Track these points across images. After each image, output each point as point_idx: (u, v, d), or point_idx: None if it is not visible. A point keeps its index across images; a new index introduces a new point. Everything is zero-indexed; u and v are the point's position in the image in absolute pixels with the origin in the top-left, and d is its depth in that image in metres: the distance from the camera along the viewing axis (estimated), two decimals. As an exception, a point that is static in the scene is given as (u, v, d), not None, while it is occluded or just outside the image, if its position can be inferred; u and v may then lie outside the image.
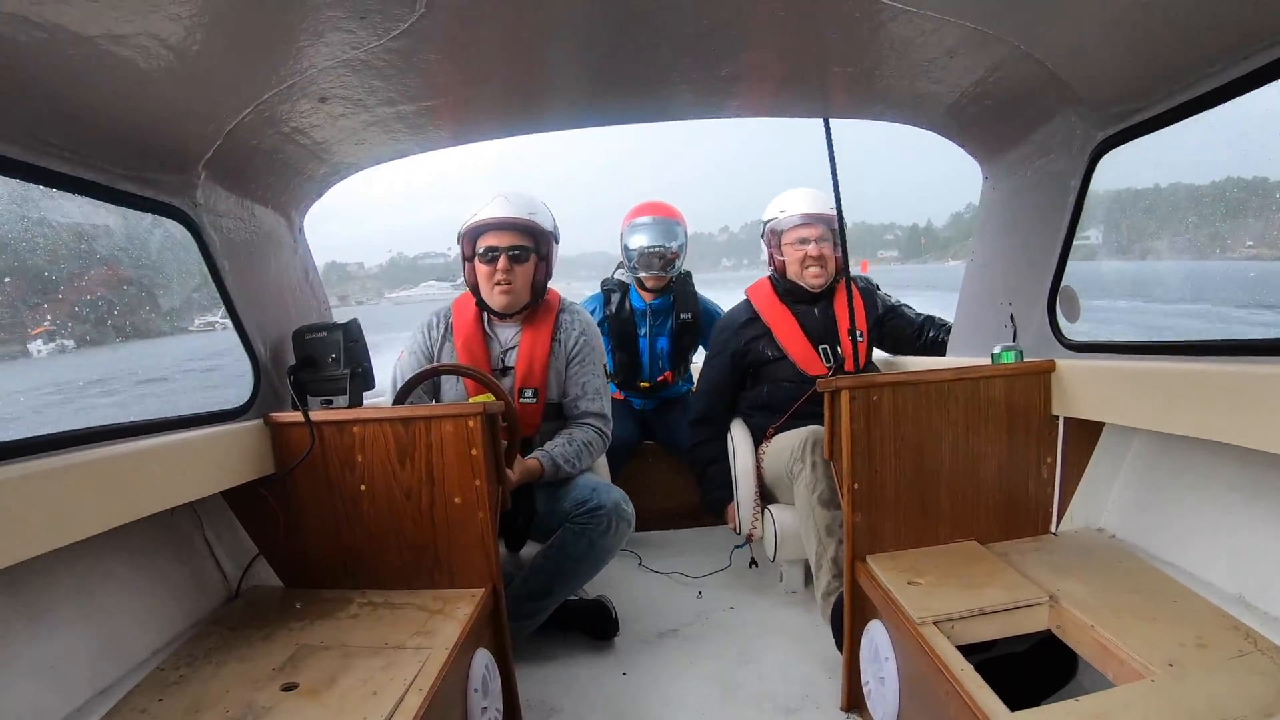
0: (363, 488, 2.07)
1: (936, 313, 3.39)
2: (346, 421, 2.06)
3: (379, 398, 2.75)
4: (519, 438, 2.41)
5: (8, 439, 1.42)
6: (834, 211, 3.04)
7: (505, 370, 2.68)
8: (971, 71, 2.01)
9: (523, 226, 2.62)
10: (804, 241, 3.11)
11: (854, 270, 3.20)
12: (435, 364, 2.67)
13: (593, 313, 3.63)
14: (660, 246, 3.74)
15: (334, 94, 1.90)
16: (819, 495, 2.53)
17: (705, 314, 3.91)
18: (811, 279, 3.12)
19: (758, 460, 3.05)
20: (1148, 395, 1.78)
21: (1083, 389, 2.03)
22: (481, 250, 2.61)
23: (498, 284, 2.59)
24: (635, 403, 3.98)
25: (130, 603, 1.76)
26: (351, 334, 2.24)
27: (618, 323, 3.82)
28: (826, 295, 3.19)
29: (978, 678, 1.45)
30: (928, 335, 3.29)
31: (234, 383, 2.28)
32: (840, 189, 2.52)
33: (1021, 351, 2.22)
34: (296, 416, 2.06)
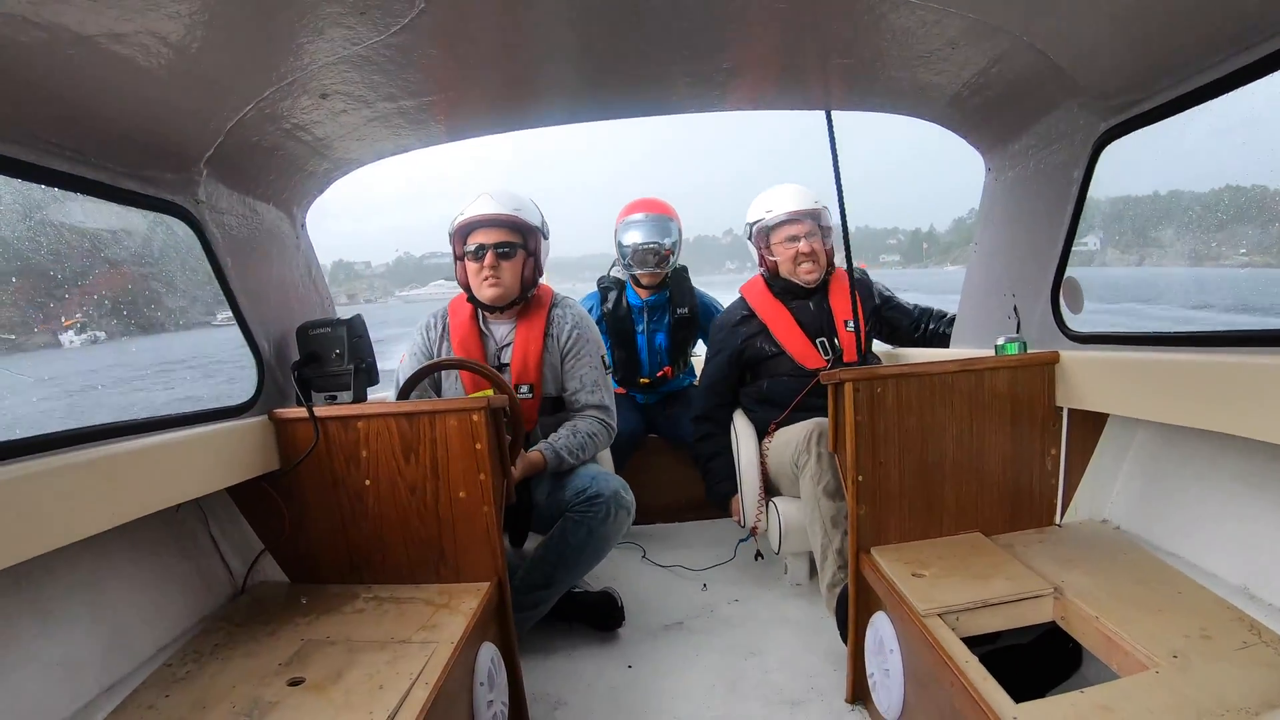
0: (367, 483, 2.07)
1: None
2: (351, 417, 2.06)
3: (383, 394, 2.76)
4: (523, 432, 2.42)
5: (14, 438, 1.42)
6: (821, 206, 3.04)
7: (501, 367, 2.70)
8: (973, 62, 2.00)
9: (509, 223, 2.64)
10: (794, 239, 3.10)
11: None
12: (439, 359, 2.68)
13: (590, 310, 3.66)
14: (654, 243, 3.74)
15: (335, 90, 1.90)
16: (824, 487, 2.53)
17: (703, 308, 3.92)
18: (805, 275, 3.10)
19: (761, 454, 3.05)
20: (1152, 386, 1.78)
21: (1087, 380, 2.02)
22: (471, 248, 2.64)
23: (486, 279, 2.62)
24: (639, 397, 3.99)
25: (137, 599, 1.76)
26: (355, 329, 2.24)
27: (615, 320, 3.83)
28: (821, 289, 3.18)
29: (982, 669, 1.46)
30: (926, 328, 3.28)
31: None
32: (842, 181, 2.51)
33: (1025, 343, 2.21)
34: (301, 412, 2.07)
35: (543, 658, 2.53)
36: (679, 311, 3.82)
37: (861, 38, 1.90)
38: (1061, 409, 2.14)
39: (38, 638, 1.47)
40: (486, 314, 2.77)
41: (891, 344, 3.45)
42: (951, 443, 2.11)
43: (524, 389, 2.67)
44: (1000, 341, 2.23)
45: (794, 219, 3.10)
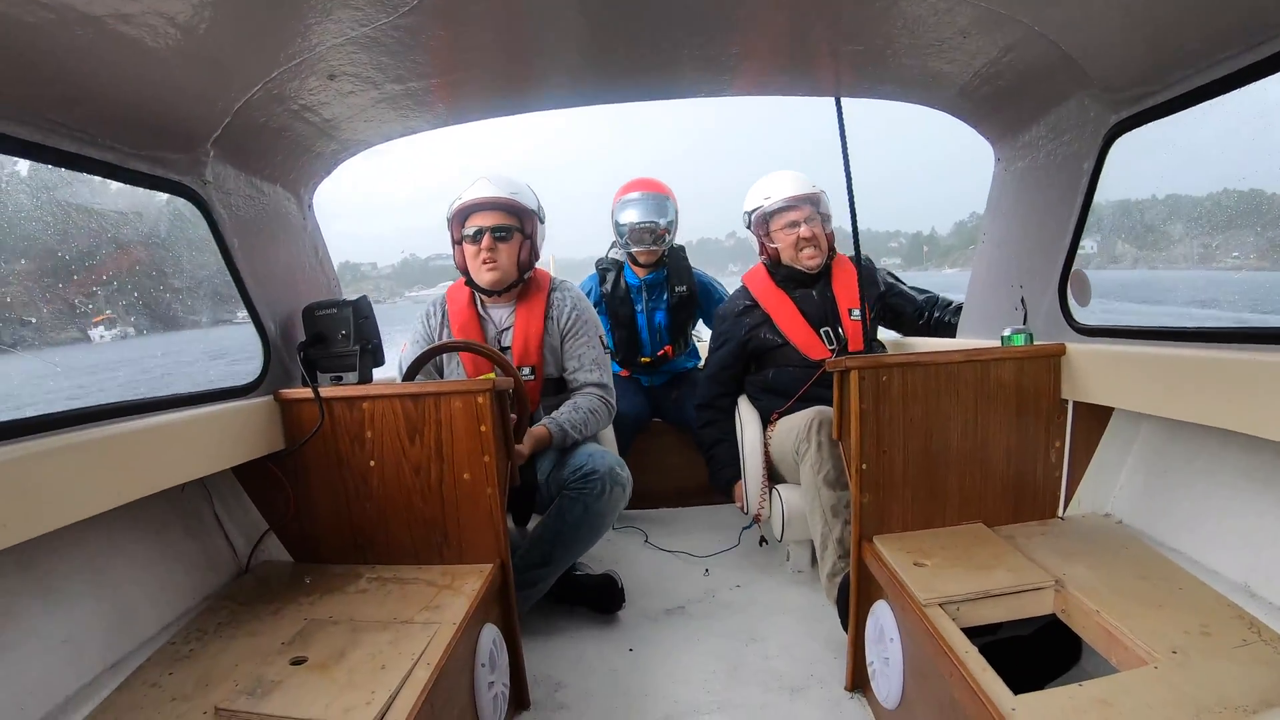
0: (372, 463, 2.08)
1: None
2: (356, 398, 2.07)
3: (388, 375, 2.77)
4: (528, 412, 2.43)
5: (18, 416, 1.43)
6: (819, 190, 3.03)
7: (502, 350, 2.71)
8: (984, 52, 1.99)
9: (506, 206, 2.66)
10: (794, 225, 3.08)
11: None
12: (445, 340, 2.69)
13: (589, 293, 3.69)
14: (651, 221, 3.75)
15: (343, 71, 1.89)
16: (824, 476, 2.53)
17: (701, 286, 3.94)
18: (807, 260, 3.08)
19: (765, 441, 3.05)
20: (1158, 381, 1.77)
21: (1093, 373, 2.02)
22: (469, 231, 2.66)
23: (484, 262, 2.63)
24: (643, 380, 3.99)
25: (141, 578, 1.78)
26: (362, 311, 2.25)
27: (614, 300, 3.84)
28: (824, 276, 3.16)
29: (982, 660, 1.46)
30: (931, 317, 3.26)
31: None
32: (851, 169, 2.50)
33: (1032, 334, 2.21)
34: (306, 393, 2.07)
35: (544, 639, 2.55)
36: (677, 290, 3.84)
37: (873, 24, 1.88)
38: (1067, 401, 2.13)
39: (42, 615, 1.48)
40: (485, 298, 2.78)
41: (897, 331, 3.44)
42: (956, 433, 2.11)
43: (525, 371, 2.68)
44: (1007, 332, 2.23)
45: (793, 204, 3.08)
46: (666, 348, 3.88)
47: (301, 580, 2.02)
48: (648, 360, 3.88)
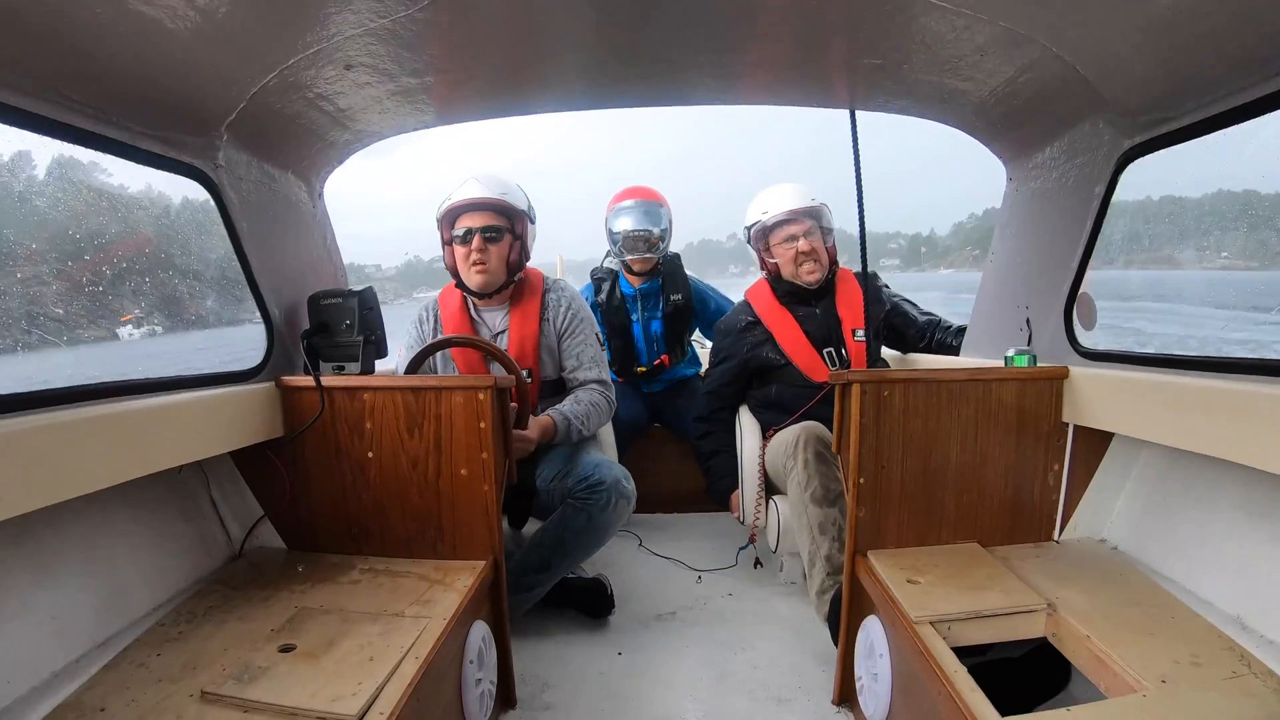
0: (370, 455, 2.08)
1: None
2: (357, 388, 2.07)
3: (390, 367, 2.77)
4: (529, 406, 2.44)
5: (18, 390, 1.43)
6: (818, 204, 3.00)
7: None
8: (1001, 70, 1.99)
9: (496, 206, 2.62)
10: (793, 239, 3.03)
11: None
12: (450, 335, 2.68)
13: None
14: (644, 229, 3.72)
15: (360, 62, 1.89)
16: (811, 493, 2.51)
17: (697, 294, 3.92)
18: (807, 275, 3.04)
19: (762, 453, 3.04)
20: (1159, 408, 1.77)
21: (1094, 398, 2.01)
22: (459, 232, 2.63)
23: (474, 264, 2.60)
24: (643, 386, 3.98)
25: (135, 558, 1.78)
26: (366, 301, 2.26)
27: (609, 310, 3.82)
28: (827, 292, 3.11)
29: (970, 680, 1.45)
30: (933, 339, 3.26)
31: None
32: (863, 184, 2.49)
33: (1035, 356, 2.20)
34: (308, 381, 2.08)
35: (535, 640, 2.55)
36: (673, 299, 3.81)
37: (891, 39, 1.89)
38: (1067, 424, 2.12)
39: (33, 589, 1.48)
40: (476, 302, 2.76)
41: (899, 350, 3.43)
42: (955, 451, 2.10)
43: (523, 374, 2.66)
44: (1010, 353, 2.23)
45: (792, 218, 3.03)
46: (663, 357, 3.86)
47: (294, 568, 2.02)
48: (644, 370, 3.87)
